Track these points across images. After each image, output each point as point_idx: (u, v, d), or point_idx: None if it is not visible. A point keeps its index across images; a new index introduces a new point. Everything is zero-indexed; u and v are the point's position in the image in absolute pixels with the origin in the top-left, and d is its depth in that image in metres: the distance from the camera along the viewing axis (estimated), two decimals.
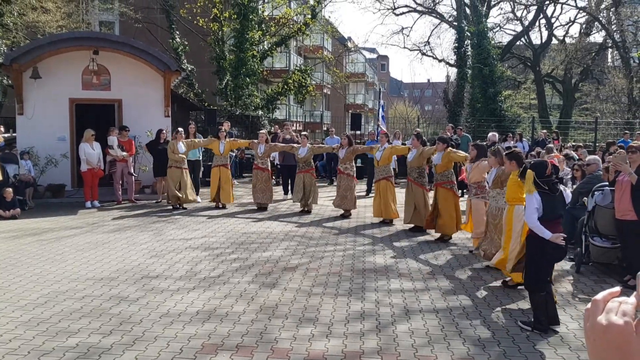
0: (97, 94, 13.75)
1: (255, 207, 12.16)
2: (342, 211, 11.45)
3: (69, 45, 13.18)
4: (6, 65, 12.76)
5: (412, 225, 10.02)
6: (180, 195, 11.87)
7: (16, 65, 12.69)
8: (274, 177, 15.11)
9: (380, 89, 25.48)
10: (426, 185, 10.15)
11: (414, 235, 9.59)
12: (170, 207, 12.04)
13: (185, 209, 11.96)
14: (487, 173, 7.78)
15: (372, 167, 13.10)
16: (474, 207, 8.22)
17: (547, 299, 5.30)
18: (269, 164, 12.52)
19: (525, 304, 5.92)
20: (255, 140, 12.67)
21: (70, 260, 7.53)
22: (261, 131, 13.26)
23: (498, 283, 6.73)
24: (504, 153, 6.94)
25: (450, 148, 9.38)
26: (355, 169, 11.71)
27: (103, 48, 13.24)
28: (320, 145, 12.95)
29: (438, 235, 9.35)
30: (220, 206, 12.25)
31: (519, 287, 6.40)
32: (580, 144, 17.24)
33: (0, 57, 14.28)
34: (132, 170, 12.85)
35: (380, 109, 17.48)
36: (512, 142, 15.01)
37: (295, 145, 12.58)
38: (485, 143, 11.15)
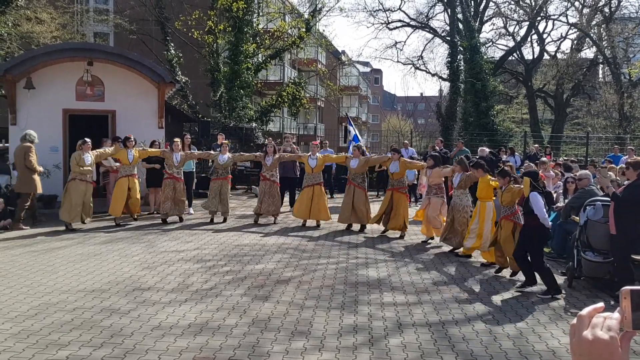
0: (91, 105, 13.71)
1: (178, 220, 11.72)
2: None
3: (63, 56, 13.16)
4: (0, 76, 12.72)
5: (347, 224, 11.20)
6: (83, 214, 10.83)
7: (10, 75, 12.65)
8: None
9: (347, 114, 24.87)
10: (366, 188, 11.31)
11: (408, 249, 9.61)
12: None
13: (85, 223, 11.09)
14: (453, 177, 9.45)
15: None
16: (432, 203, 9.80)
17: (551, 270, 6.88)
18: (182, 174, 11.84)
19: (518, 320, 5.94)
20: (167, 150, 11.81)
21: (61, 272, 7.47)
22: (175, 139, 11.98)
23: (491, 297, 6.75)
24: (471, 163, 8.90)
25: (403, 158, 11.03)
26: (278, 176, 11.96)
27: (97, 59, 13.23)
28: (242, 153, 12.65)
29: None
30: (134, 217, 11.68)
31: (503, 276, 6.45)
32: (573, 158, 17.37)
33: None
34: None
35: (352, 130, 17.11)
36: (504, 156, 15.12)
37: (212, 152, 12.42)
38: (477, 157, 11.73)
